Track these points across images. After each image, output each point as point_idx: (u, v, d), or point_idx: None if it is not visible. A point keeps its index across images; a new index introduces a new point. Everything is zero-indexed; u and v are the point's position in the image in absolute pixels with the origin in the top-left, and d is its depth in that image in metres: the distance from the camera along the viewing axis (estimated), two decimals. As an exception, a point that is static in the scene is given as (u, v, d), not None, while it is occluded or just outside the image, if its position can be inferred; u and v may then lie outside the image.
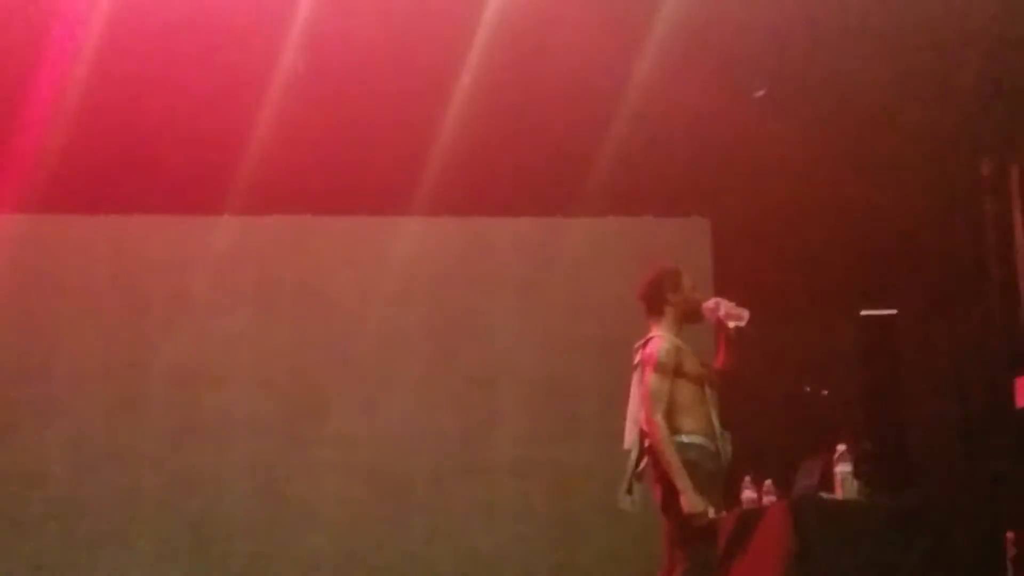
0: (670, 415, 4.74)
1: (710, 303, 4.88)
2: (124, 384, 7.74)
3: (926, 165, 6.97)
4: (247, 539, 7.63)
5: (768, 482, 5.62)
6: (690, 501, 4.58)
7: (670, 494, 4.72)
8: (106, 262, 7.88)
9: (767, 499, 5.52)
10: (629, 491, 4.84)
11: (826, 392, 6.40)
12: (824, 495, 5.03)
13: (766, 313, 6.50)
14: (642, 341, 4.95)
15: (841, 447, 5.10)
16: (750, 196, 7.68)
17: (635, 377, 4.95)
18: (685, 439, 4.74)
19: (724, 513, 5.04)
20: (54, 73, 6.34)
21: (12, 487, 7.51)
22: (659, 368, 4.77)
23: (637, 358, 4.95)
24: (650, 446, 4.77)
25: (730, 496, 6.04)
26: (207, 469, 7.69)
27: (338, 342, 7.92)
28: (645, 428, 4.78)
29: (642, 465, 4.84)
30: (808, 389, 6.51)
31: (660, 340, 4.85)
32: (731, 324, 4.83)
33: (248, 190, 7.43)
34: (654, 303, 4.95)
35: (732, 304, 4.86)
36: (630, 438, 4.91)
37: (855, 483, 4.92)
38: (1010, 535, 6.07)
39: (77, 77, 6.31)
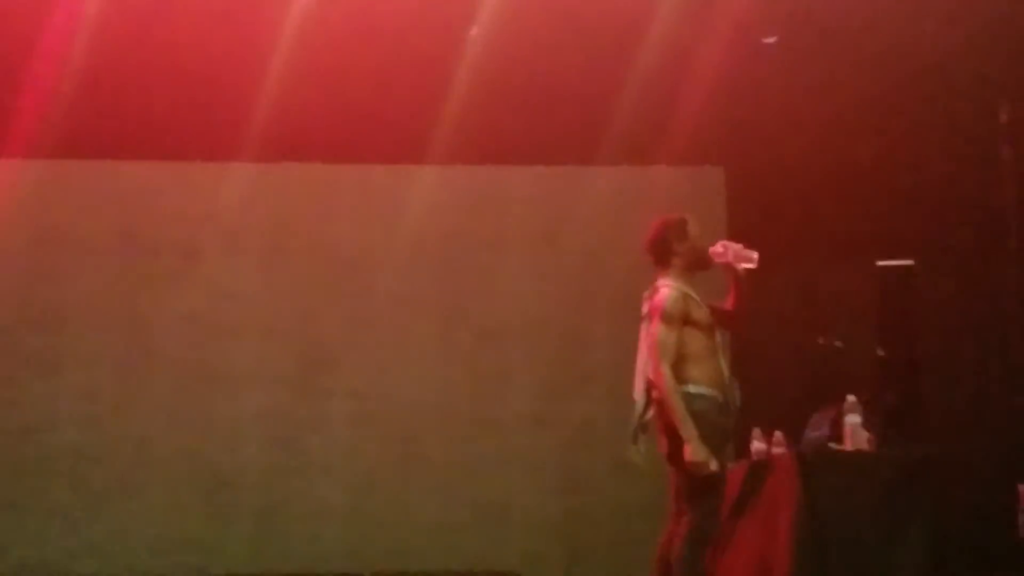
0: (678, 365, 4.71)
1: (717, 247, 4.83)
2: (134, 334, 7.74)
3: (943, 113, 6.85)
4: (258, 489, 7.66)
5: (778, 433, 5.57)
6: (694, 451, 4.56)
7: (676, 445, 4.69)
8: (114, 210, 7.85)
9: (776, 450, 5.48)
10: (635, 441, 4.82)
11: (840, 343, 6.34)
12: (833, 446, 4.99)
13: (781, 263, 6.47)
14: (650, 291, 4.90)
15: (851, 398, 5.05)
16: (765, 145, 7.58)
17: (643, 328, 4.92)
18: (692, 389, 4.71)
19: (730, 465, 5.01)
20: (62, 16, 6.29)
21: (22, 437, 7.54)
22: (666, 318, 4.72)
23: (645, 308, 4.91)
24: (657, 397, 4.74)
25: (739, 446, 6.02)
26: (217, 419, 7.71)
27: (349, 293, 7.90)
28: (652, 378, 4.74)
29: (648, 416, 4.81)
30: (821, 340, 6.45)
31: (667, 289, 4.80)
32: (740, 266, 4.78)
33: (259, 137, 7.38)
34: (661, 254, 4.90)
35: (740, 246, 4.81)
36: (638, 389, 4.89)
37: (865, 434, 4.87)
38: (1022, 487, 6.04)
39: (86, 22, 6.26)
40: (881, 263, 7.26)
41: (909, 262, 7.22)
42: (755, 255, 4.76)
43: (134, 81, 7.01)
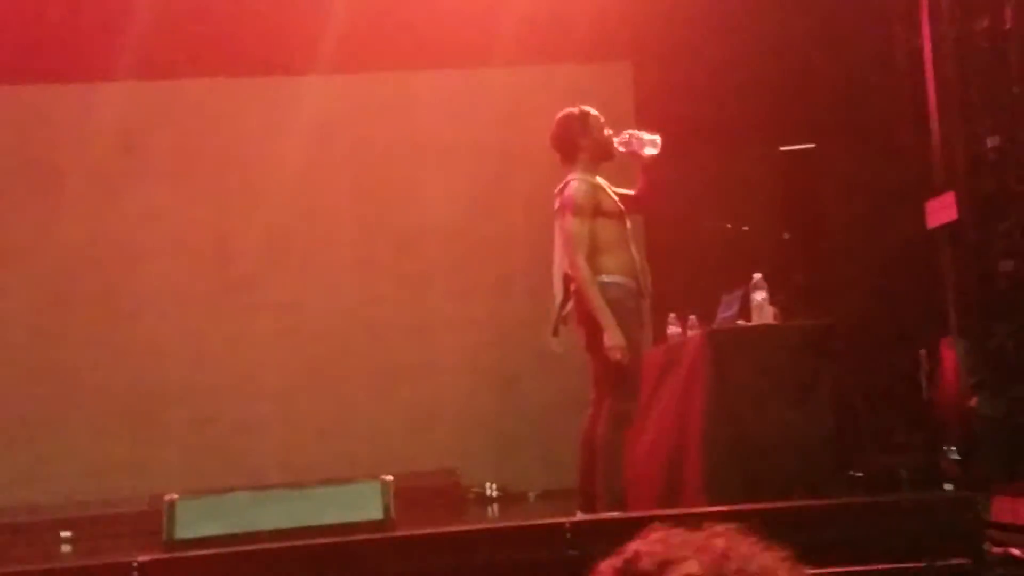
0: (591, 256, 4.83)
1: (623, 136, 4.92)
2: (45, 262, 7.65)
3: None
4: (189, 407, 7.69)
5: (692, 317, 5.76)
6: (612, 336, 4.72)
7: (594, 334, 4.85)
8: (11, 135, 7.71)
9: (691, 333, 5.68)
10: (555, 334, 4.97)
11: (747, 228, 6.53)
12: (742, 323, 5.19)
13: (689, 152, 6.60)
14: (560, 186, 5.00)
15: (757, 276, 5.23)
16: (670, 38, 7.65)
17: (556, 223, 5.02)
18: (607, 279, 4.84)
19: (646, 350, 5.19)
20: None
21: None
22: (577, 210, 4.83)
23: (556, 204, 5.01)
24: (575, 288, 4.87)
25: (656, 332, 6.22)
26: (140, 343, 7.70)
27: (265, 207, 7.87)
28: (568, 271, 4.87)
29: (567, 309, 4.95)
30: (729, 225, 6.63)
31: (576, 183, 4.90)
32: (645, 152, 4.90)
33: (155, 53, 7.25)
34: (566, 149, 4.98)
35: (643, 133, 4.92)
36: (557, 284, 5.01)
37: (771, 309, 5.07)
38: (923, 352, 6.33)
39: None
40: (784, 148, 7.46)
41: (810, 145, 7.43)
42: (658, 139, 4.88)
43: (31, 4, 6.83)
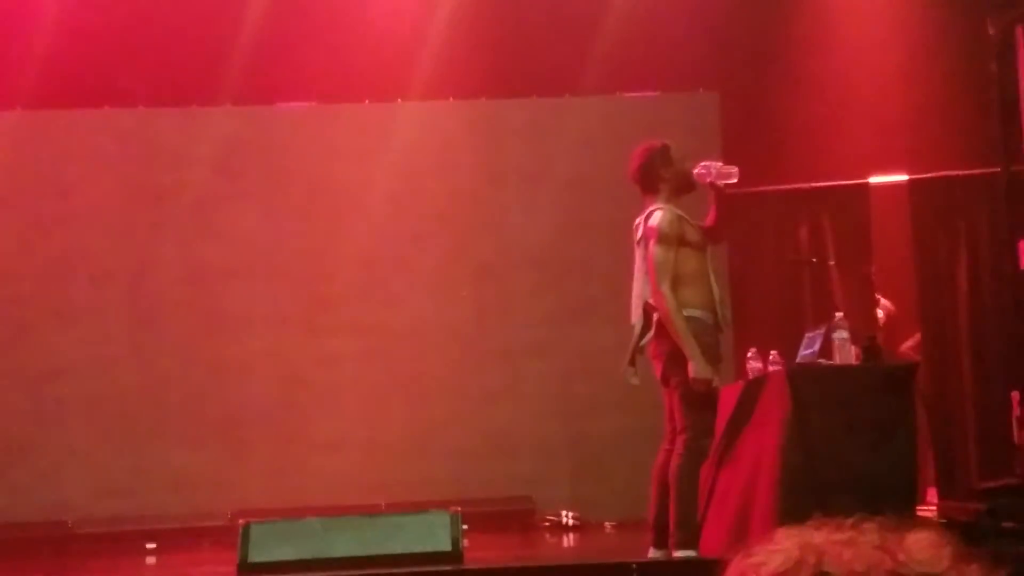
0: (673, 287, 4.81)
1: (699, 168, 4.90)
2: (140, 281, 7.88)
3: (933, 28, 6.84)
4: (272, 425, 7.83)
5: (773, 353, 5.66)
6: (697, 367, 4.68)
7: (670, 367, 4.82)
8: (112, 158, 7.95)
9: (772, 370, 5.59)
10: (632, 364, 4.95)
11: (833, 263, 6.42)
12: (823, 361, 5.10)
13: (776, 182, 6.53)
14: (643, 216, 4.99)
15: (839, 314, 5.15)
16: (758, 68, 7.59)
17: (638, 253, 5.01)
18: (685, 312, 4.81)
19: (723, 383, 5.14)
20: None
21: (35, 385, 7.71)
22: (662, 239, 4.82)
23: (639, 234, 5.00)
24: (656, 319, 4.85)
25: (737, 367, 6.14)
26: (228, 361, 7.87)
27: (348, 232, 8.00)
28: (652, 300, 4.85)
29: (646, 339, 4.93)
30: (815, 260, 6.53)
31: (662, 212, 4.88)
32: (722, 183, 4.87)
33: (250, 79, 7.43)
34: (647, 181, 4.98)
35: (720, 164, 4.89)
36: (636, 313, 5.00)
37: (852, 349, 4.98)
38: (1015, 395, 6.14)
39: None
40: (874, 180, 7.33)
41: (902, 178, 7.28)
42: (735, 170, 4.85)
43: (123, 27, 7.06)
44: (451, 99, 8.01)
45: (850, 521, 1.04)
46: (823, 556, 0.98)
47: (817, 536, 1.01)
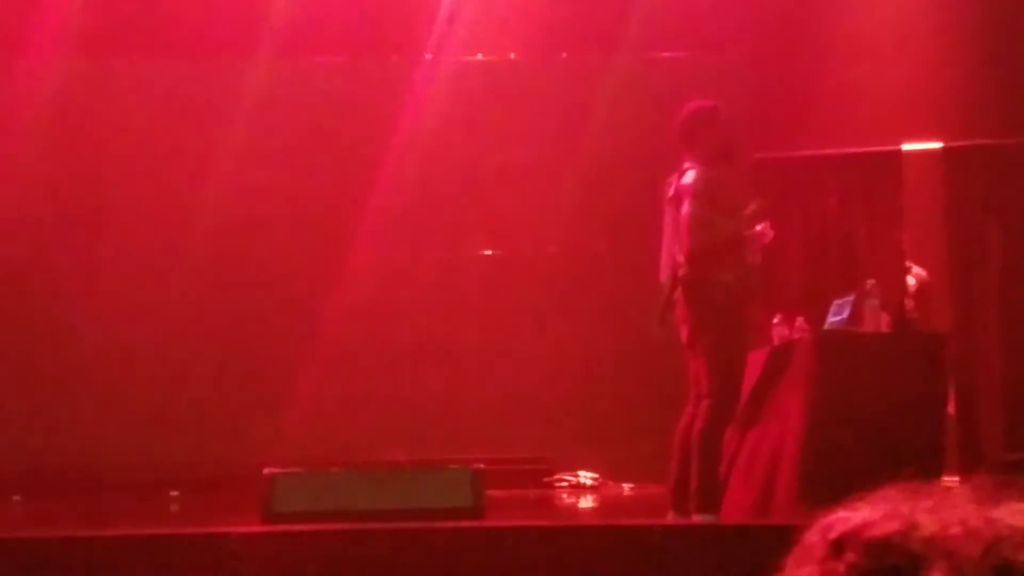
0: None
1: (761, 229, 4.91)
2: (167, 233, 7.90)
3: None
4: (296, 379, 7.85)
5: (800, 319, 5.64)
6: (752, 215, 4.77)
7: (696, 331, 4.79)
8: (142, 109, 7.93)
9: (798, 336, 5.56)
10: (661, 322, 4.93)
11: (864, 231, 6.35)
12: (852, 329, 5.07)
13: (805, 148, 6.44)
14: (677, 174, 4.94)
15: (871, 282, 5.11)
16: (790, 31, 7.49)
17: (668, 210, 4.97)
18: (713, 278, 4.78)
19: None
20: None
21: (65, 333, 7.74)
22: (698, 196, 4.78)
23: (671, 191, 4.95)
24: (683, 276, 4.82)
25: (763, 332, 6.10)
26: (254, 312, 7.89)
27: (372, 189, 7.98)
28: (683, 256, 4.81)
29: (674, 296, 4.90)
30: (846, 227, 6.46)
31: (699, 171, 4.84)
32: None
33: (281, 33, 7.39)
34: (687, 137, 4.93)
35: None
36: (665, 272, 4.97)
37: (883, 316, 4.94)
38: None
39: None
40: (907, 147, 7.22)
41: (936, 145, 7.17)
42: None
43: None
44: (478, 56, 7.96)
45: (935, 488, 1.01)
46: (917, 521, 0.96)
47: (904, 505, 0.98)
